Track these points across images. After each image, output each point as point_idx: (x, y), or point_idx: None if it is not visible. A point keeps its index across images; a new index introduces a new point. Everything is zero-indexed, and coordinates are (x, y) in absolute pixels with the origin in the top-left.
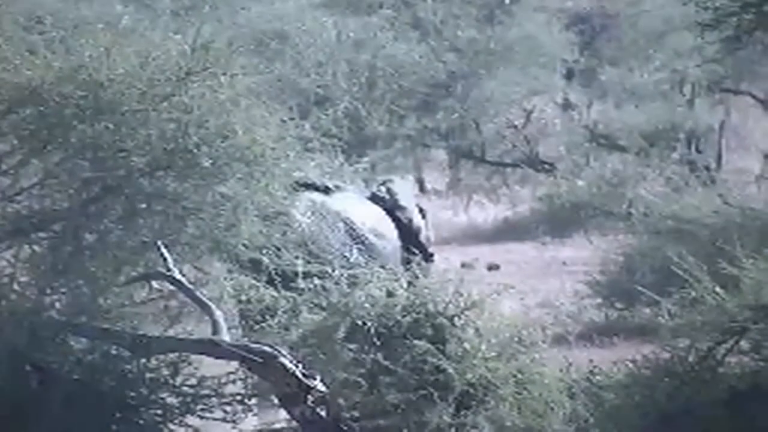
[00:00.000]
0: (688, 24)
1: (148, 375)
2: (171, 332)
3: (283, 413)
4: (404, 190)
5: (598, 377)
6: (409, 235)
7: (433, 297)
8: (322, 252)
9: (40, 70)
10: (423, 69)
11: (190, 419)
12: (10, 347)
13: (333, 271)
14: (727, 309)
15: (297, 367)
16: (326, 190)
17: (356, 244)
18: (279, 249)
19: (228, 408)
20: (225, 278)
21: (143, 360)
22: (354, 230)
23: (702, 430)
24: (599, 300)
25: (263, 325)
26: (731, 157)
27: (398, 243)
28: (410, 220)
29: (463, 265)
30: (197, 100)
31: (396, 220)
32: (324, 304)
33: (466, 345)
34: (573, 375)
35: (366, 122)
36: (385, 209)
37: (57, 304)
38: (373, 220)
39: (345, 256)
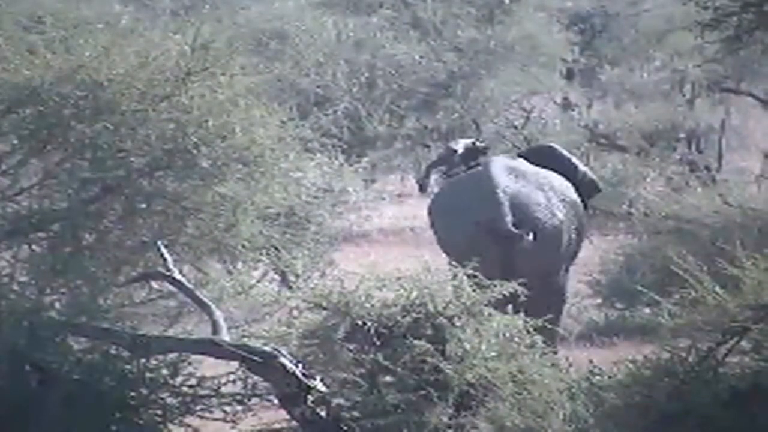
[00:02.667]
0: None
1: (148, 375)
2: (171, 332)
3: (283, 413)
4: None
5: (598, 377)
6: (590, 193)
7: (433, 297)
8: (535, 211)
9: (39, 70)
10: (423, 69)
11: (190, 419)
12: (10, 347)
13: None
14: (728, 309)
15: (297, 367)
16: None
17: (560, 201)
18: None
19: (227, 408)
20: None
21: (143, 360)
22: (555, 189)
23: (702, 430)
24: (599, 300)
25: None
26: (732, 157)
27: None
28: (593, 181)
29: None
30: (196, 101)
31: (579, 180)
32: (324, 303)
33: (466, 345)
34: (573, 375)
35: (366, 122)
36: (567, 170)
37: (57, 304)
38: (560, 179)
39: (554, 213)
